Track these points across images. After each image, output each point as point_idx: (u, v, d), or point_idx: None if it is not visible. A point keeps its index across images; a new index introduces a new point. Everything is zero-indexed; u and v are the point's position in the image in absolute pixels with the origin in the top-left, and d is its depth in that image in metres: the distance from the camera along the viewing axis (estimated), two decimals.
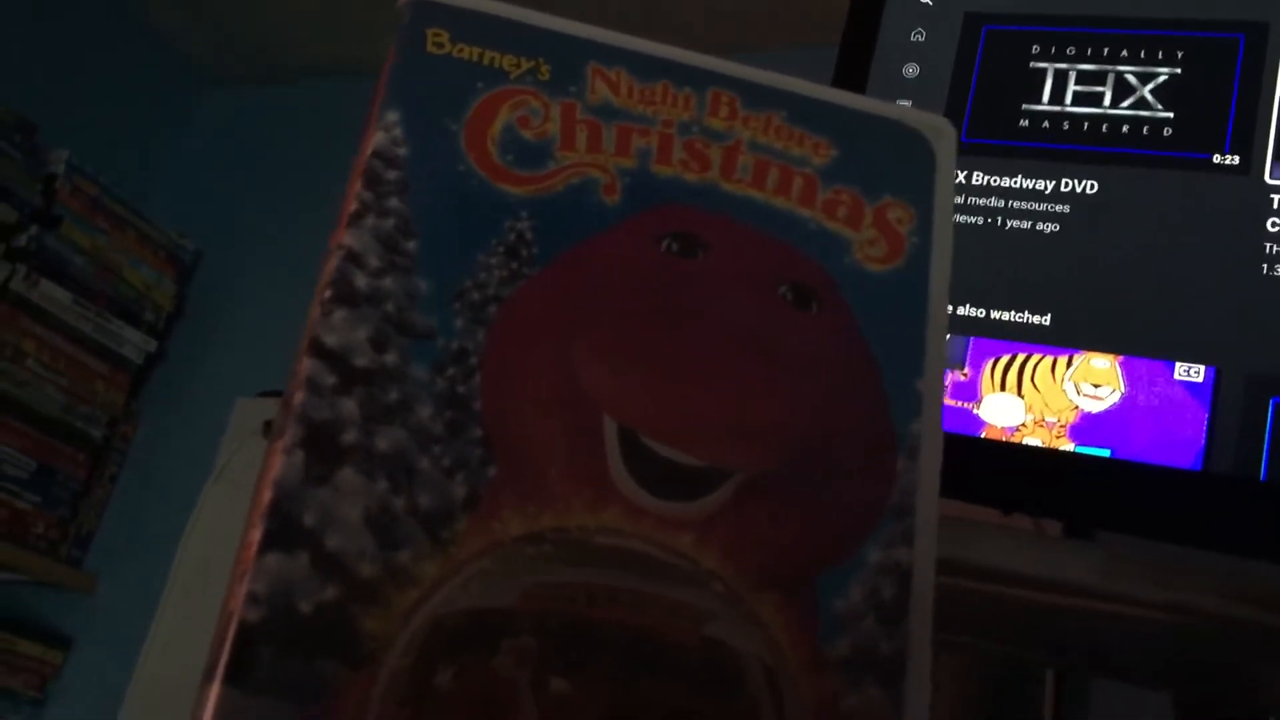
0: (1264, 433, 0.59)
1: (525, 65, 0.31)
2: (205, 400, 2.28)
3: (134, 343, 2.39)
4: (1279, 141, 0.64)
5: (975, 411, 0.64)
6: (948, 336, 0.65)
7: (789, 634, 0.27)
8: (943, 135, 0.33)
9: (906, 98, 0.71)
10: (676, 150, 0.31)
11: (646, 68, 0.32)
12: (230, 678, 0.25)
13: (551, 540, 0.27)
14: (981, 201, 0.68)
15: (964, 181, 0.68)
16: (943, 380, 0.31)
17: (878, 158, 0.32)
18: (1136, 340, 0.62)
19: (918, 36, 0.73)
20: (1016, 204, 0.67)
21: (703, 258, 0.30)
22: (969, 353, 0.65)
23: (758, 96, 0.32)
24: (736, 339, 0.30)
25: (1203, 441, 0.60)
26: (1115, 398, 0.62)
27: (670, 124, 0.31)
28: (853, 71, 0.73)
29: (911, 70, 0.72)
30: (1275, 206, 0.63)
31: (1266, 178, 0.63)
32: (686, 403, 0.29)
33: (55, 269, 2.24)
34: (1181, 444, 0.60)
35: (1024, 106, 0.69)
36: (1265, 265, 0.61)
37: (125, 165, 2.52)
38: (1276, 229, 0.62)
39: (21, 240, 2.18)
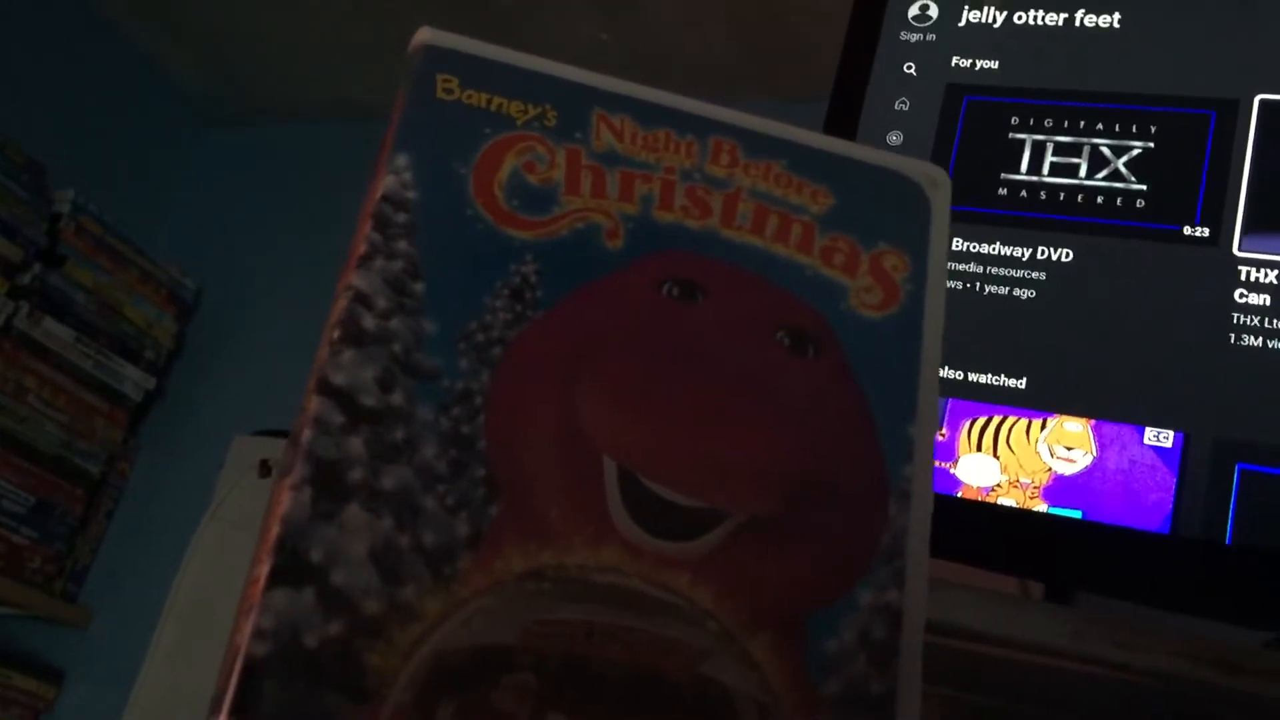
0: (1230, 497, 0.60)
1: (532, 111, 0.32)
2: (202, 438, 2.28)
3: (134, 380, 2.40)
4: (1247, 214, 0.65)
5: (952, 471, 0.65)
6: (940, 382, 0.66)
7: (782, 673, 0.28)
8: (938, 185, 0.33)
9: None
10: (678, 197, 0.32)
11: (650, 115, 0.33)
12: (236, 710, 0.25)
13: (552, 578, 0.27)
14: (961, 267, 0.69)
15: None
16: (935, 426, 0.31)
17: (874, 206, 0.33)
18: (1108, 405, 0.64)
19: (902, 105, 0.75)
20: (994, 270, 0.68)
21: (702, 303, 0.31)
22: (947, 414, 0.66)
23: (758, 145, 0.33)
24: (734, 383, 0.30)
25: (1171, 505, 0.61)
26: (1087, 461, 0.63)
27: (672, 171, 0.32)
28: (839, 137, 0.75)
29: (895, 138, 0.74)
30: (1243, 278, 0.64)
31: (1235, 249, 0.65)
32: (685, 445, 0.29)
33: (58, 307, 2.25)
34: (1150, 507, 0.61)
35: (1003, 176, 0.71)
36: (1233, 335, 0.63)
37: (129, 204, 2.52)
38: (1244, 299, 0.63)
39: (26, 278, 2.20)
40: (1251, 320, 0.63)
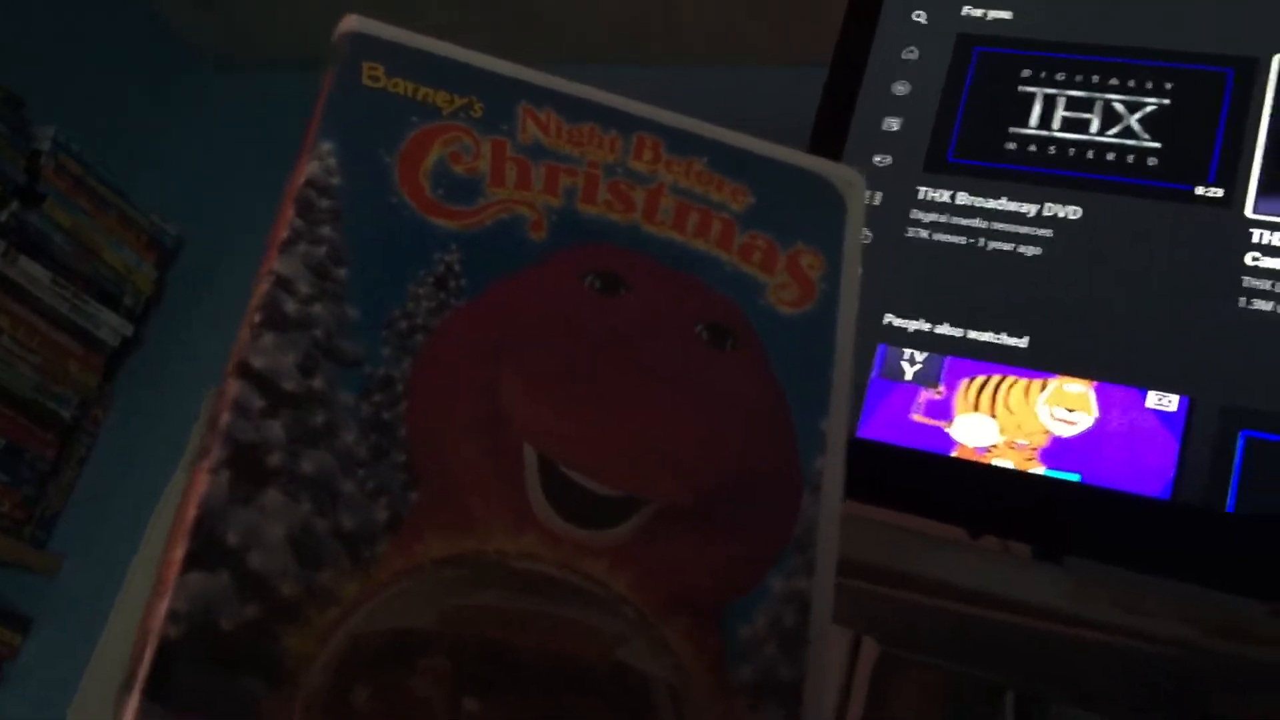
0: (1233, 465, 0.59)
1: (459, 102, 0.32)
2: (179, 387, 2.27)
3: (110, 325, 2.37)
4: (1262, 176, 0.64)
5: (947, 430, 0.65)
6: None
7: (696, 659, 0.28)
8: (853, 186, 0.34)
9: (896, 115, 0.72)
10: (602, 191, 0.32)
11: (575, 110, 0.33)
12: (149, 692, 0.25)
13: (470, 564, 0.28)
14: (964, 222, 0.68)
15: (949, 201, 0.69)
16: (846, 420, 0.32)
17: (792, 206, 0.33)
18: (1111, 367, 0.63)
19: (909, 55, 0.74)
20: (999, 226, 0.68)
21: (624, 296, 0.31)
22: (944, 371, 0.66)
23: (680, 142, 0.33)
24: (654, 374, 0.31)
25: (1172, 471, 0.60)
26: (1088, 423, 0.62)
27: (596, 165, 0.32)
28: (843, 87, 0.74)
29: (902, 88, 0.73)
30: (1255, 240, 0.63)
31: (1248, 212, 0.64)
32: (603, 434, 0.30)
33: (35, 246, 2.21)
34: (1151, 472, 0.61)
35: (1011, 129, 0.70)
36: (1243, 298, 0.62)
37: (113, 147, 2.49)
38: (1255, 262, 0.63)
39: (3, 216, 2.17)
40: (1263, 284, 0.62)
